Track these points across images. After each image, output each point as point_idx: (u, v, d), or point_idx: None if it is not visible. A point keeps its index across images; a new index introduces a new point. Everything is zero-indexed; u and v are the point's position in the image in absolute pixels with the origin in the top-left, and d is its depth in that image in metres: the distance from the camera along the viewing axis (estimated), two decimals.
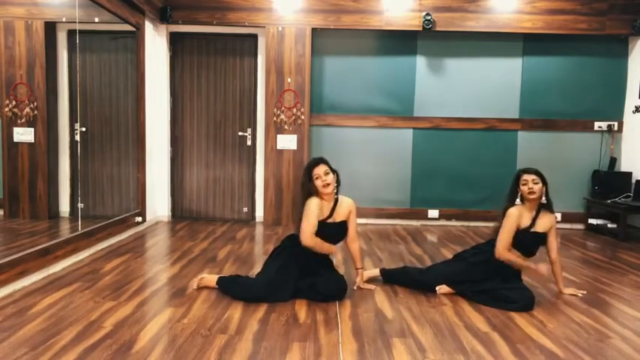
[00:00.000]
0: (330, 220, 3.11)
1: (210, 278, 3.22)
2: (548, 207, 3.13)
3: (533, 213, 3.11)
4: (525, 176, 3.09)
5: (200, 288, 3.19)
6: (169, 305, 2.89)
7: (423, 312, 2.88)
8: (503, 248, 3.03)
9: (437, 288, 3.18)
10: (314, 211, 3.03)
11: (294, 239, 3.13)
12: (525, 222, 3.09)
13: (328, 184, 3.04)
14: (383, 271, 3.46)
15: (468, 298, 3.09)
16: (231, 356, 2.25)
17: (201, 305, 2.89)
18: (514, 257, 3.05)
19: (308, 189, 3.07)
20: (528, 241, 3.10)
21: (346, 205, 3.18)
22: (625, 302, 3.16)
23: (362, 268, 3.32)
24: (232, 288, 3.08)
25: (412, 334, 2.56)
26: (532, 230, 3.09)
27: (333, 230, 3.13)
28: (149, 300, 3.00)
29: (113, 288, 3.18)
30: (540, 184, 3.07)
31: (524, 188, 3.07)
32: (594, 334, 2.62)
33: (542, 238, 3.13)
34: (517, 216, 3.06)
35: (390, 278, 3.41)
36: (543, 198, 3.08)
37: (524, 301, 2.93)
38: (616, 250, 4.71)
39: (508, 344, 2.45)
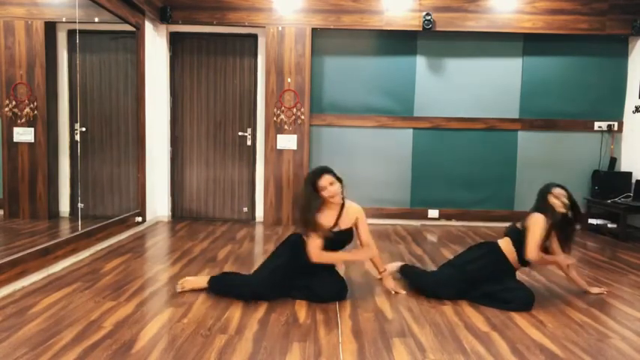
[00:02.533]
0: (335, 229, 3.05)
1: (196, 280, 3.17)
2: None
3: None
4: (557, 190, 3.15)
5: (186, 291, 3.10)
6: (169, 305, 2.89)
7: (423, 312, 2.88)
8: (534, 242, 3.02)
9: None
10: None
11: (297, 240, 3.10)
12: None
13: (334, 196, 2.98)
14: (402, 267, 3.50)
15: (467, 300, 3.08)
16: (231, 356, 2.25)
17: (201, 305, 2.89)
18: (550, 259, 3.12)
19: (310, 200, 2.97)
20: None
21: (353, 213, 3.12)
22: (625, 302, 3.16)
23: (385, 271, 3.25)
24: (225, 287, 3.06)
25: (412, 334, 2.56)
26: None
27: (338, 239, 3.07)
28: (149, 300, 2.99)
29: (113, 288, 3.18)
30: (564, 201, 3.11)
31: (556, 202, 3.11)
32: (594, 334, 2.62)
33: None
34: (542, 223, 3.06)
35: (405, 275, 3.42)
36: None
37: (521, 301, 2.93)
38: (616, 250, 4.71)
39: (508, 344, 2.45)
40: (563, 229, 3.13)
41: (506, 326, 2.69)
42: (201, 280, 3.14)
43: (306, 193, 3.00)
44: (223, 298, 3.00)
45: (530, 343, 2.47)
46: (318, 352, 2.31)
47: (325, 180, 2.96)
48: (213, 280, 3.12)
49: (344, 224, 3.08)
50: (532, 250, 3.00)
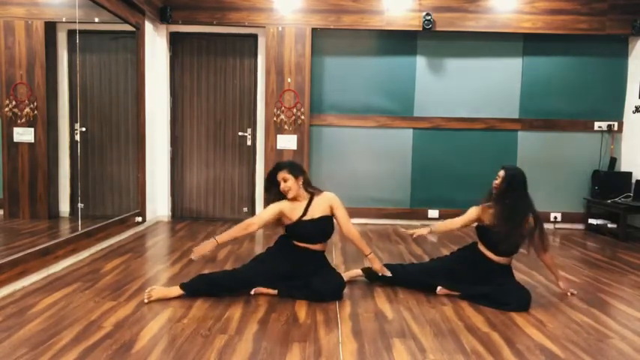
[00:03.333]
0: (306, 218, 3.11)
1: (165, 290, 3.00)
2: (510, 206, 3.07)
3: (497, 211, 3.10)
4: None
5: (153, 301, 2.92)
6: (169, 305, 2.88)
7: (423, 312, 2.88)
8: (451, 220, 3.34)
9: (437, 289, 3.18)
10: (271, 208, 3.13)
11: (284, 239, 3.22)
12: (488, 219, 3.12)
13: (286, 191, 3.09)
14: (365, 270, 3.42)
15: (467, 300, 3.09)
16: (231, 356, 2.25)
17: (201, 305, 2.89)
18: (438, 226, 3.41)
19: (274, 191, 3.16)
20: (494, 238, 3.08)
21: (326, 201, 3.16)
22: (625, 302, 3.16)
23: (371, 253, 3.23)
24: (204, 285, 3.03)
25: (412, 334, 2.56)
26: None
27: (313, 227, 3.11)
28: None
29: (113, 288, 3.18)
30: (499, 180, 3.15)
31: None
32: (594, 334, 2.62)
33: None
34: (471, 212, 3.26)
35: (373, 276, 3.36)
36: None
37: (518, 302, 2.93)
38: (616, 250, 4.71)
39: (508, 344, 2.45)
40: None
41: (506, 326, 2.69)
42: (172, 291, 2.99)
43: (267, 179, 3.24)
44: (223, 298, 3.00)
45: (530, 343, 2.47)
46: (318, 352, 2.31)
47: (279, 176, 3.12)
48: (187, 285, 3.01)
49: (316, 213, 3.13)
50: (454, 220, 3.32)
